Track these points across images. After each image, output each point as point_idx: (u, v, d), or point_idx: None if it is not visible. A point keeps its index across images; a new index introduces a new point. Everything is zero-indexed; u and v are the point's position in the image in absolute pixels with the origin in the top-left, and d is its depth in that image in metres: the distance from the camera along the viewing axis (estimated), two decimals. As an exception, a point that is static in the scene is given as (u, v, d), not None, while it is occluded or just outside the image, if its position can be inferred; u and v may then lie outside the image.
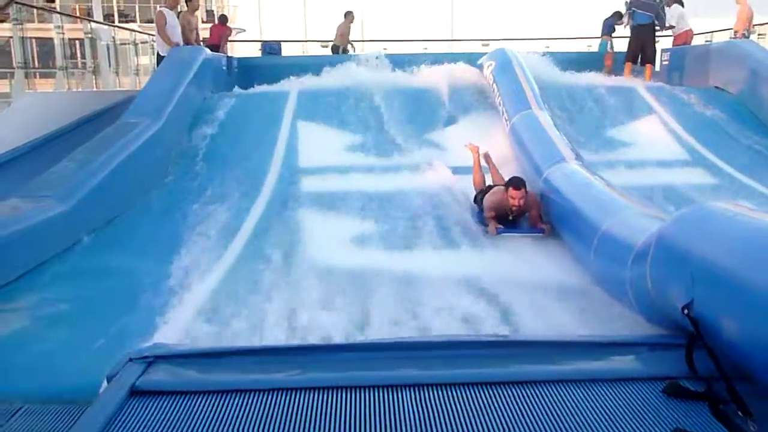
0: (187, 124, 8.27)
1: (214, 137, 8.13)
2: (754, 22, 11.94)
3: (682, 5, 11.43)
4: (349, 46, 13.43)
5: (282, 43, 14.17)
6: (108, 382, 2.73)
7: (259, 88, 10.02)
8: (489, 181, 6.57)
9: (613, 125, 8.65)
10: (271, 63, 12.34)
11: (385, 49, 12.76)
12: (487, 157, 6.99)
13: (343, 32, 13.45)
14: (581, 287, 4.63)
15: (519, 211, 5.82)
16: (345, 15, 13.48)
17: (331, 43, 13.83)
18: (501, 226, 5.80)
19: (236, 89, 10.06)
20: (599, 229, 4.53)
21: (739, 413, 2.37)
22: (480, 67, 9.60)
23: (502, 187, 5.91)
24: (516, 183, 5.77)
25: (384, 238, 5.78)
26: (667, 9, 10.96)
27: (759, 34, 12.56)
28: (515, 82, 8.41)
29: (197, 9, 10.63)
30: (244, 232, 5.86)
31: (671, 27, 11.26)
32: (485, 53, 10.13)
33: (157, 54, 10.31)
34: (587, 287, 4.59)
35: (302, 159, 7.70)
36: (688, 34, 11.51)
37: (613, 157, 7.80)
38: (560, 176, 5.94)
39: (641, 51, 10.66)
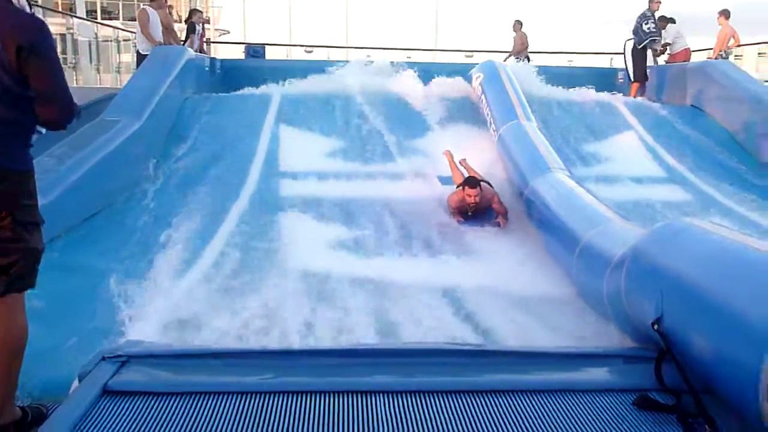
0: (168, 124, 8.25)
1: (195, 138, 8.12)
2: (740, 43, 12.20)
3: (674, 23, 11.69)
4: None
5: (266, 46, 14.18)
6: (80, 381, 2.73)
7: (242, 91, 10.04)
8: None
9: (589, 140, 8.78)
10: (254, 66, 12.36)
11: (368, 56, 12.78)
12: (463, 163, 7.28)
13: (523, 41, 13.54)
14: (564, 297, 4.68)
15: (478, 207, 6.32)
16: (515, 26, 13.57)
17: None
18: (462, 219, 6.35)
19: (219, 91, 10.05)
20: (581, 239, 4.61)
21: (707, 426, 2.44)
22: (469, 79, 9.74)
23: (460, 188, 6.40)
24: (470, 182, 6.33)
25: (366, 244, 5.84)
26: (663, 31, 11.38)
27: (736, 56, 12.86)
28: (503, 93, 8.54)
29: (162, 6, 10.55)
30: (221, 234, 5.86)
31: (667, 45, 11.57)
32: (471, 65, 10.27)
33: (137, 53, 10.30)
34: (570, 298, 4.64)
35: (284, 163, 7.71)
36: (687, 52, 11.77)
37: (598, 171, 7.95)
38: (546, 186, 6.04)
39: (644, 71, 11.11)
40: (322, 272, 5.12)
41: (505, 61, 12.22)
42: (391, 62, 10.87)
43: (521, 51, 13.56)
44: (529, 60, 13.24)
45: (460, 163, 7.25)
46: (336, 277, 5.02)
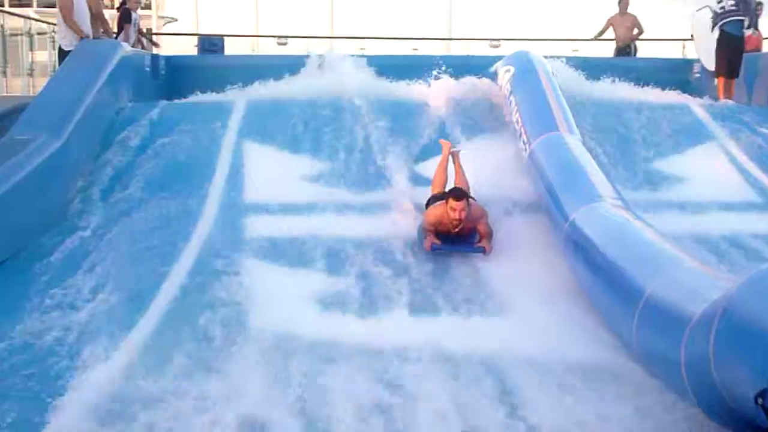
0: (96, 143, 8.26)
1: (131, 162, 8.12)
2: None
3: None
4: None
5: (225, 38, 14.30)
6: None
7: (194, 97, 10.08)
8: (451, 185, 7.16)
9: (660, 155, 8.77)
10: (211, 64, 12.45)
11: (362, 48, 12.90)
12: (454, 155, 7.57)
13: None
14: (615, 367, 4.72)
15: (462, 226, 6.52)
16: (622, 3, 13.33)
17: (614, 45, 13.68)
18: (438, 242, 6.55)
19: (165, 97, 10.09)
20: (644, 290, 4.58)
21: None
22: (494, 76, 9.78)
23: (441, 201, 6.62)
24: (456, 193, 6.53)
25: (354, 299, 5.90)
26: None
27: None
28: (540, 95, 8.52)
29: None
30: (165, 292, 5.85)
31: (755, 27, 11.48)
32: (498, 57, 10.28)
33: (59, 49, 10.34)
34: (624, 367, 4.68)
35: (249, 193, 7.72)
36: (758, 39, 11.79)
37: (658, 197, 7.94)
38: (593, 220, 6.02)
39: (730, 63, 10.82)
40: (301, 340, 5.15)
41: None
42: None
43: (630, 39, 13.38)
44: (635, 52, 13.14)
45: (452, 157, 7.53)
46: (320, 347, 5.07)
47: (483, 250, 6.56)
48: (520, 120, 8.36)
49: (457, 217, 6.43)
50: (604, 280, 5.40)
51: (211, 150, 8.40)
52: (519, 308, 5.76)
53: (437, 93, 9.75)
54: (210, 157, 8.27)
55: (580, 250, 5.95)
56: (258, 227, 7.10)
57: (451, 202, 6.46)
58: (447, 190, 6.80)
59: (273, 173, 8.01)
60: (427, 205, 7.01)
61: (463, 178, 7.32)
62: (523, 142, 8.08)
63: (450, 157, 7.60)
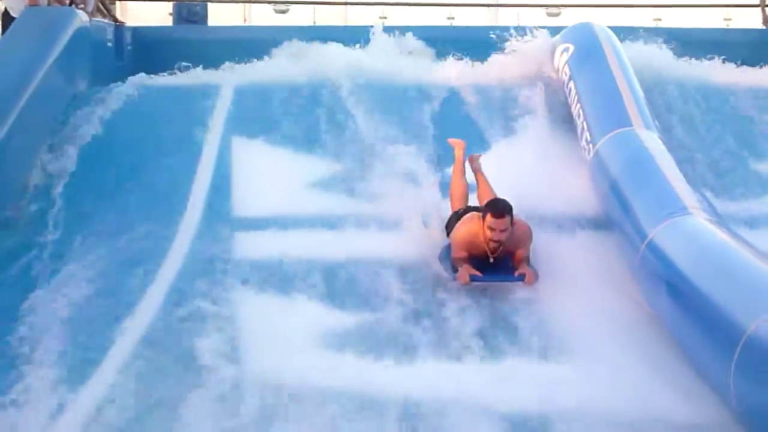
0: (45, 136, 8.30)
1: (89, 161, 8.14)
2: None
3: None
4: None
5: (208, 4, 14.31)
6: None
7: (168, 80, 10.09)
8: (473, 200, 7.11)
9: (762, 156, 8.70)
10: (190, 38, 12.36)
11: (383, 18, 12.86)
12: (473, 160, 7.40)
13: None
14: (711, 426, 4.71)
15: (502, 250, 6.41)
16: None
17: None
18: (477, 272, 6.34)
19: (131, 81, 9.99)
20: (744, 328, 4.53)
21: None
22: (546, 53, 9.85)
23: (478, 214, 6.47)
24: (497, 207, 6.31)
25: (365, 338, 5.90)
26: None
27: None
28: (608, 81, 8.50)
29: None
30: (135, 325, 5.90)
31: None
32: (557, 29, 10.28)
33: (4, 13, 10.35)
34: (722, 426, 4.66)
35: (238, 203, 7.73)
36: None
37: (760, 208, 7.89)
38: (677, 239, 5.98)
39: None
40: (304, 391, 5.16)
41: None
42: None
43: None
44: None
45: (470, 163, 7.36)
46: (329, 394, 5.10)
47: (522, 278, 6.38)
48: (581, 112, 8.35)
49: (497, 238, 6.28)
50: (692, 316, 5.37)
51: (189, 148, 8.45)
52: (586, 353, 5.72)
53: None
54: (188, 157, 8.30)
55: (661, 278, 5.89)
56: (247, 248, 7.12)
57: (490, 219, 6.25)
58: (469, 204, 6.74)
59: (266, 178, 8.05)
60: (449, 226, 6.93)
61: (489, 189, 7.14)
62: (586, 140, 8.06)
63: (468, 166, 7.48)
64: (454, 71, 10.00)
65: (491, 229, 6.23)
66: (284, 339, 5.83)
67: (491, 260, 6.40)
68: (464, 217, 6.66)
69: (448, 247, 6.68)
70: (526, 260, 6.48)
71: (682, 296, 5.56)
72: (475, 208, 6.76)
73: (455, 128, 8.73)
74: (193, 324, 5.98)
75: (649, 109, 8.07)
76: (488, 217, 6.26)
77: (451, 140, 7.81)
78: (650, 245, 6.11)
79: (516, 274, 6.40)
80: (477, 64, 10.14)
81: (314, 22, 14.77)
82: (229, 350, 5.66)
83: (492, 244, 6.31)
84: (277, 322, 6.06)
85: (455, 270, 6.42)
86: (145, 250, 7.00)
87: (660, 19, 15.07)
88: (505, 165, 7.64)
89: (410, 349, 5.80)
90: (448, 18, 15.65)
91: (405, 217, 7.41)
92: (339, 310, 6.27)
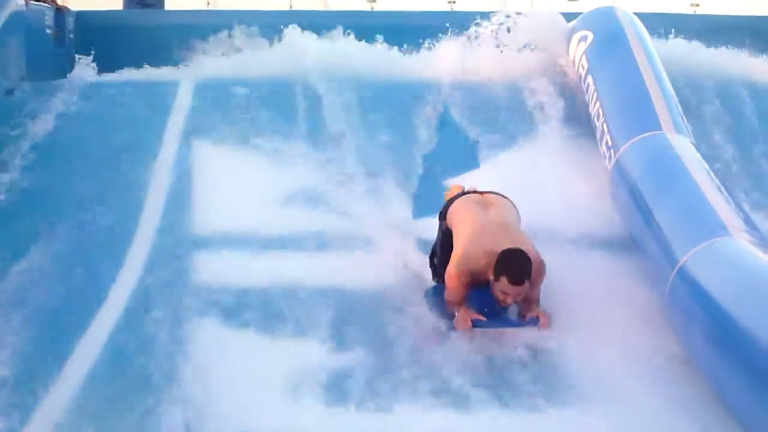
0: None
1: (24, 168, 8.16)
2: None
3: None
4: None
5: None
6: None
7: (118, 74, 10.14)
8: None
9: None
10: (144, 24, 12.41)
11: (373, 1, 12.91)
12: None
13: None
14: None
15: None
16: None
17: None
18: (480, 317, 6.31)
19: (74, 74, 10.13)
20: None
21: None
22: (565, 43, 9.95)
23: (485, 252, 6.21)
24: (515, 272, 6.02)
25: (341, 382, 5.83)
26: None
27: None
28: (632, 76, 8.49)
29: None
30: (72, 371, 5.85)
31: None
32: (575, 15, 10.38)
33: None
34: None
35: (200, 219, 7.73)
36: None
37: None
38: (715, 264, 5.89)
39: None
40: None
41: None
42: None
43: None
44: None
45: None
46: None
47: (536, 321, 6.31)
48: (601, 113, 8.36)
49: (510, 301, 6.19)
50: (733, 360, 5.25)
51: (141, 154, 8.45)
52: (606, 400, 5.65)
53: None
54: (141, 168, 8.30)
55: (695, 312, 5.79)
56: (212, 274, 7.10)
57: (505, 285, 6.05)
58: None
59: (233, 190, 8.07)
60: (434, 258, 6.87)
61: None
62: (606, 145, 8.05)
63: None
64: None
65: (504, 293, 6.10)
66: (253, 382, 5.80)
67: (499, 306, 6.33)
68: (466, 244, 6.39)
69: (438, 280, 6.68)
70: (537, 300, 6.40)
71: (721, 335, 5.45)
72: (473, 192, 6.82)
73: (447, 132, 9.04)
74: (145, 356, 6.01)
75: (682, 110, 8.07)
76: (503, 280, 6.05)
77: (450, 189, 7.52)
78: (682, 272, 6.03)
79: (527, 316, 6.31)
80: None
81: (290, 6, 14.75)
82: (187, 388, 5.68)
83: (502, 302, 6.20)
84: (244, 361, 6.05)
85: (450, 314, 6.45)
86: (97, 263, 7.07)
87: (698, 5, 15.12)
88: (506, 175, 7.71)
89: (402, 396, 5.72)
90: (449, 2, 15.72)
91: (385, 236, 7.55)
92: (312, 348, 6.23)
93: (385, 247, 7.42)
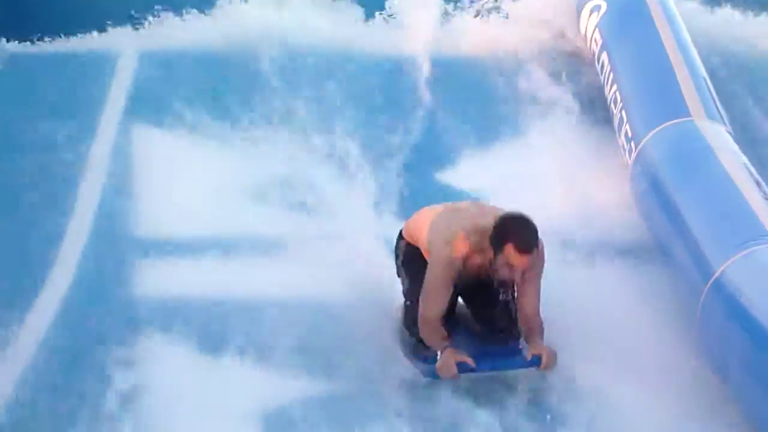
0: None
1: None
2: None
3: None
4: None
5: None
6: None
7: (45, 46, 10.09)
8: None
9: None
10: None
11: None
12: None
13: None
14: None
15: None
16: None
17: None
18: (467, 359, 5.98)
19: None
20: None
21: None
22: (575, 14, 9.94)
23: (474, 227, 5.94)
24: (525, 238, 5.74)
25: (320, 409, 5.90)
26: None
27: None
28: (655, 54, 8.49)
29: None
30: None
31: None
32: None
33: None
34: None
35: (145, 219, 7.72)
36: None
37: None
38: (757, 275, 5.91)
39: None
40: None
41: None
42: None
43: None
44: None
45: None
46: None
47: (538, 362, 6.03)
48: (618, 98, 8.35)
49: (516, 280, 5.93)
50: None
51: (76, 142, 8.45)
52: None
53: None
54: (74, 155, 8.31)
55: (733, 330, 5.81)
56: (157, 278, 7.12)
57: (511, 252, 5.66)
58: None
59: (181, 182, 8.06)
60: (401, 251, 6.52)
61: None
62: (626, 135, 8.03)
63: None
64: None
65: (510, 266, 5.73)
66: (212, 412, 5.83)
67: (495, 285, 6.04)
68: (452, 232, 5.97)
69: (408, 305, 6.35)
70: (539, 329, 6.12)
71: (763, 358, 5.46)
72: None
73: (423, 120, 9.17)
74: (78, 384, 6.01)
75: (715, 93, 8.06)
76: (508, 249, 5.69)
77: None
78: (717, 284, 6.03)
79: (528, 355, 6.03)
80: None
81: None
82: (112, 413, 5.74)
83: (503, 279, 5.90)
84: (200, 389, 6.04)
85: (424, 357, 6.17)
86: (15, 279, 7.01)
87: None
88: (510, 172, 7.82)
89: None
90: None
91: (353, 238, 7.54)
92: (274, 375, 6.26)
93: (354, 253, 7.40)
